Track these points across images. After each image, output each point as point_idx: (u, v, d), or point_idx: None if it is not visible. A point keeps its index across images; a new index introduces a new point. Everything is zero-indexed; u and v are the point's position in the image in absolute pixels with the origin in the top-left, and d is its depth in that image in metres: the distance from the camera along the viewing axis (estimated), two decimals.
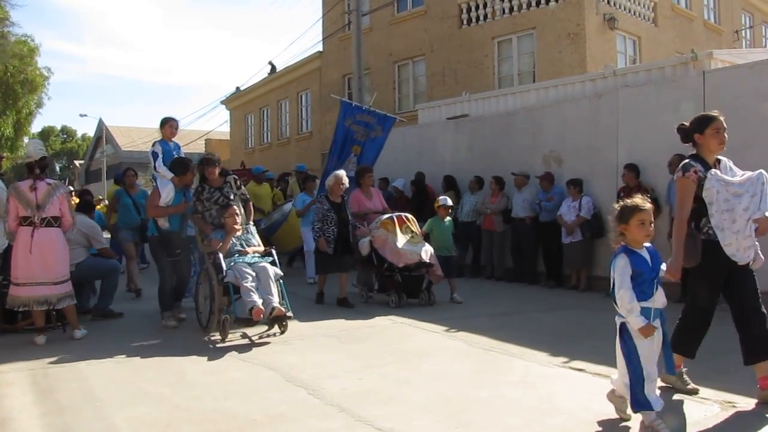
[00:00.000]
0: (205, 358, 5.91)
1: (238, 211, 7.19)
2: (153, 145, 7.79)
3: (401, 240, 8.42)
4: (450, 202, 9.25)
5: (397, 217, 8.69)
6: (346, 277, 8.73)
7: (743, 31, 22.92)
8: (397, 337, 6.79)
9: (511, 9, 16.94)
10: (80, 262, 7.61)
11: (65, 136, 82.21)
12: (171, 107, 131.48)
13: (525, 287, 10.08)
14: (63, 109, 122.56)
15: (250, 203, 7.79)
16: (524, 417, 4.21)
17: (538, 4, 16.35)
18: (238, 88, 30.49)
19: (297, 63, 24.64)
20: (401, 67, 20.12)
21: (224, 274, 6.64)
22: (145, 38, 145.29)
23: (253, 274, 6.68)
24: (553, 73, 14.78)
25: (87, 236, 7.84)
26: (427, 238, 8.91)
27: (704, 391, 4.58)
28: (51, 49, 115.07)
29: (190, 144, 41.10)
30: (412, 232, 8.66)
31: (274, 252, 7.29)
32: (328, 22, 21.78)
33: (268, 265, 6.89)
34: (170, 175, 7.41)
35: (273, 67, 29.52)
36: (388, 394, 4.76)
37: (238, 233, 7.17)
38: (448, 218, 9.20)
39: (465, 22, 18.03)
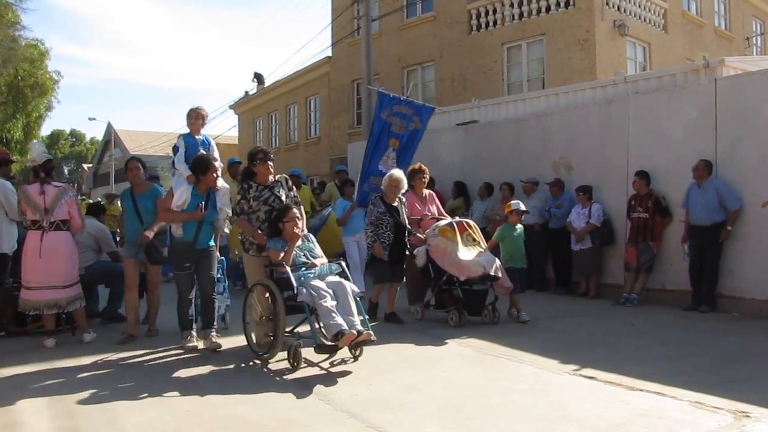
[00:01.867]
0: (214, 361, 5.89)
1: (299, 215, 6.18)
2: (177, 139, 6.82)
3: (463, 250, 7.49)
4: (523, 207, 8.28)
5: (457, 224, 7.74)
6: (396, 290, 7.92)
7: (754, 38, 22.83)
8: (406, 344, 6.74)
9: (521, 15, 16.92)
10: (90, 265, 7.63)
11: (74, 139, 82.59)
12: (179, 111, 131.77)
13: (534, 294, 10.04)
14: (72, 112, 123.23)
15: (302, 207, 6.65)
16: (535, 425, 4.18)
17: (548, 10, 16.32)
18: (246, 92, 30.55)
19: (305, 68, 24.66)
20: (410, 73, 20.10)
21: (296, 291, 5.67)
22: (153, 42, 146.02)
23: (331, 291, 5.71)
24: (563, 80, 14.74)
25: (97, 240, 7.86)
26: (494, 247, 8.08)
27: (717, 401, 4.53)
28: (60, 53, 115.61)
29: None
30: (475, 240, 7.74)
31: (343, 263, 6.26)
32: (337, 27, 21.80)
33: (345, 281, 5.95)
34: (187, 173, 6.43)
35: (260, 79, 29.56)
36: (399, 401, 4.73)
37: (299, 242, 6.15)
38: (520, 225, 8.24)
39: (474, 27, 18.02)
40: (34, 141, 27.89)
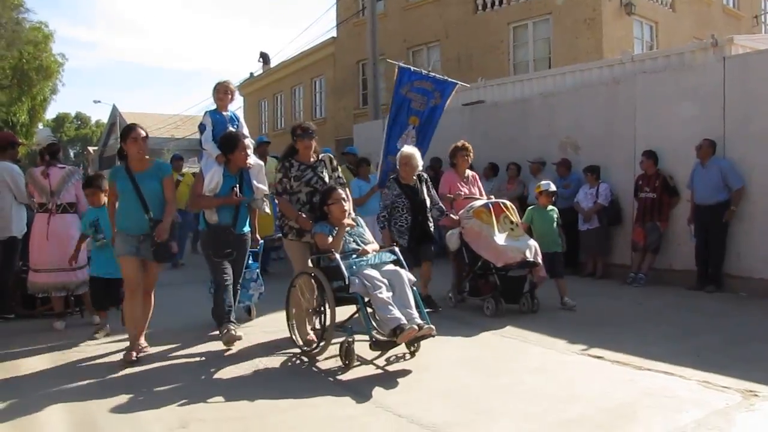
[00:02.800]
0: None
1: (346, 197, 5.66)
2: (203, 116, 6.32)
3: (500, 234, 6.92)
4: (554, 187, 7.81)
5: (493, 205, 7.12)
6: (428, 268, 7.26)
7: (763, 16, 22.61)
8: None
9: None
10: None
11: (79, 122, 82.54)
12: (184, 93, 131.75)
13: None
14: (77, 95, 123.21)
15: (347, 189, 6.02)
16: (543, 405, 4.19)
17: None
18: (251, 74, 30.49)
19: (311, 49, 24.57)
20: (416, 53, 20.01)
21: (347, 281, 5.14)
22: (157, 23, 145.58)
23: (385, 281, 5.17)
24: (570, 59, 14.64)
25: None
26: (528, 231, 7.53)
27: (725, 380, 4.54)
28: (64, 35, 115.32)
29: (194, 134, 41.31)
30: (512, 223, 7.13)
31: (397, 250, 5.69)
32: (342, 8, 21.70)
33: (401, 270, 5.40)
34: (216, 152, 5.95)
35: (266, 58, 29.47)
36: (408, 381, 4.75)
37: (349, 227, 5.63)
38: (551, 206, 7.76)
39: (480, 7, 17.90)
40: (40, 125, 27.95)
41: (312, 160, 5.86)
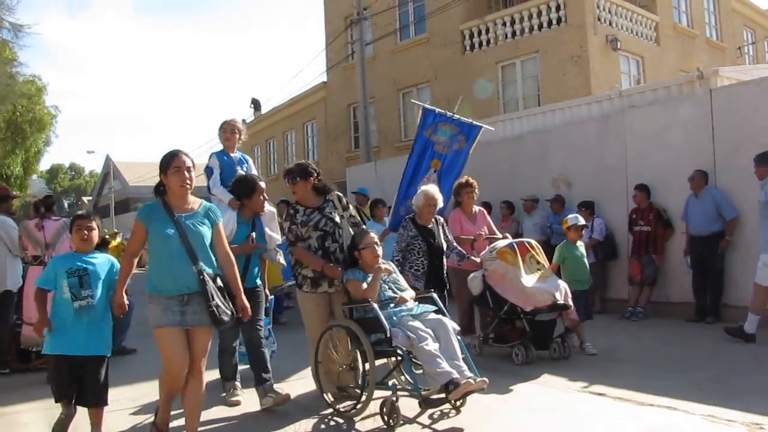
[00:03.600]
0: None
1: (377, 240, 5.31)
2: (209, 158, 5.82)
3: (527, 276, 6.47)
4: (582, 221, 7.45)
5: (518, 245, 6.69)
6: None
7: (746, 47, 22.97)
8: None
9: (514, 33, 17.03)
10: None
11: (73, 173, 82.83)
12: (178, 141, 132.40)
13: None
14: (70, 145, 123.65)
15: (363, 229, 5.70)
16: None
17: (540, 27, 16.45)
18: (244, 120, 30.68)
19: (301, 94, 24.79)
20: (406, 95, 20.19)
21: (388, 334, 4.71)
22: (148, 71, 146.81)
23: (430, 332, 4.77)
24: (558, 96, 14.79)
25: None
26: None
27: (730, 413, 4.49)
28: (55, 86, 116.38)
29: (198, 176, 41.50)
30: (539, 263, 6.70)
31: (435, 296, 5.37)
32: (331, 52, 21.95)
33: (444, 318, 5.04)
34: (228, 197, 5.54)
35: (257, 105, 29.76)
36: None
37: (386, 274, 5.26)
38: (580, 242, 7.44)
39: (468, 48, 18.13)
40: (34, 177, 28.00)
41: (316, 202, 5.45)
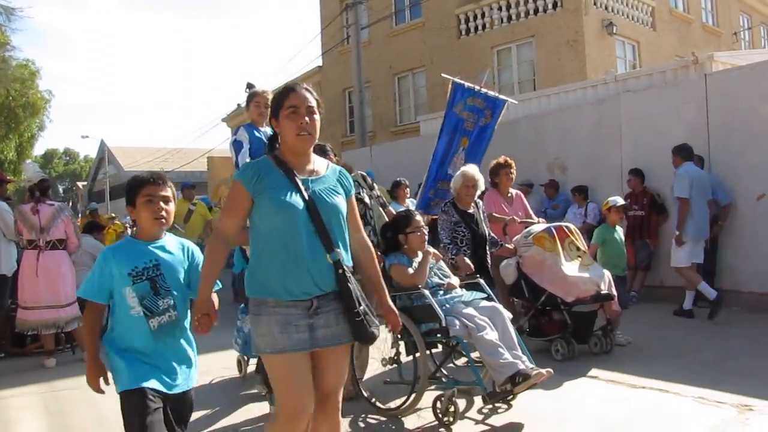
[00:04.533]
0: (218, 377, 5.87)
1: (423, 222, 4.80)
2: (235, 131, 5.14)
3: (567, 263, 5.86)
4: (622, 201, 6.93)
5: (556, 229, 6.04)
6: None
7: (742, 33, 22.94)
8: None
9: (509, 18, 16.98)
10: None
11: (68, 158, 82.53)
12: (171, 126, 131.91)
13: None
14: (65, 130, 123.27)
15: (390, 208, 5.36)
16: (539, 425, 4.19)
17: (536, 12, 16.40)
18: (239, 105, 30.58)
19: (297, 78, 24.70)
20: (401, 79, 20.16)
21: (444, 323, 4.30)
22: (142, 56, 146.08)
23: (487, 320, 4.39)
24: (554, 81, 14.77)
25: (94, 258, 7.81)
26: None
27: (720, 395, 4.54)
28: (50, 72, 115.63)
29: (192, 162, 41.46)
30: (579, 249, 6.05)
31: (482, 281, 5.04)
32: (326, 37, 21.85)
33: (497, 305, 4.66)
34: None
35: (252, 87, 29.65)
36: None
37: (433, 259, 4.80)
38: (619, 226, 6.92)
39: (463, 32, 18.07)
40: (28, 161, 27.87)
41: None
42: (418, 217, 4.73)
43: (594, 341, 6.09)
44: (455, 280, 4.82)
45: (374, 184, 5.10)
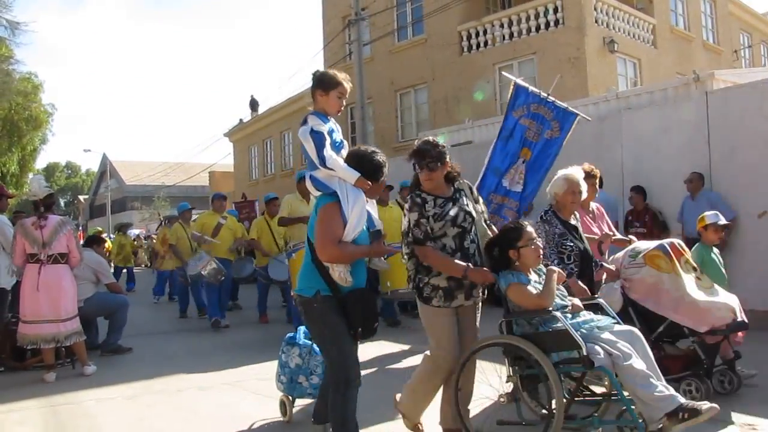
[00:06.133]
0: (217, 392, 5.85)
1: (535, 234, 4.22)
2: (304, 120, 4.08)
3: (690, 285, 4.98)
4: (723, 220, 6.12)
5: (670, 247, 5.11)
6: None
7: (742, 51, 23.05)
8: (387, 359, 6.62)
9: (511, 35, 17.08)
10: (89, 297, 7.60)
11: (69, 171, 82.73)
12: (173, 140, 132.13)
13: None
14: (67, 143, 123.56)
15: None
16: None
17: (537, 29, 16.49)
18: (241, 120, 30.68)
19: (299, 94, 24.76)
20: (403, 96, 20.23)
21: (585, 351, 3.64)
22: (144, 70, 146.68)
23: (630, 347, 3.76)
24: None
25: (95, 271, 7.83)
26: None
27: (723, 414, 4.50)
28: (53, 84, 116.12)
29: (194, 176, 41.53)
30: (695, 269, 5.20)
31: (603, 302, 4.44)
32: (329, 53, 21.95)
33: (636, 330, 4.06)
34: (352, 175, 3.72)
35: (254, 105, 29.86)
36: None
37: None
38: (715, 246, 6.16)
39: (466, 49, 18.16)
40: (35, 174, 27.92)
41: (447, 191, 4.23)
42: (530, 228, 4.17)
43: (719, 378, 5.13)
44: (578, 302, 4.16)
45: (479, 197, 4.46)
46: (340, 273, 3.58)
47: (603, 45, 15.95)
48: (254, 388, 5.91)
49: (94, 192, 63.40)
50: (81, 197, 69.30)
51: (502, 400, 4.11)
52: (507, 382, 4.09)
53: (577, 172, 5.17)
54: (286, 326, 8.87)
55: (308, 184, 3.86)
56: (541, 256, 4.19)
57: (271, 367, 5.94)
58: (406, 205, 4.22)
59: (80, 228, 27.23)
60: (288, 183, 25.12)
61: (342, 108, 4.16)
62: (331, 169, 3.73)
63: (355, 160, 3.83)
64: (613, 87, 13.60)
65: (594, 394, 4.06)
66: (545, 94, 7.58)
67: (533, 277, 4.08)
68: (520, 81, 7.66)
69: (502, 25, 17.26)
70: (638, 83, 16.78)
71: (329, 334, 3.64)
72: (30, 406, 5.60)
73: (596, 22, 15.96)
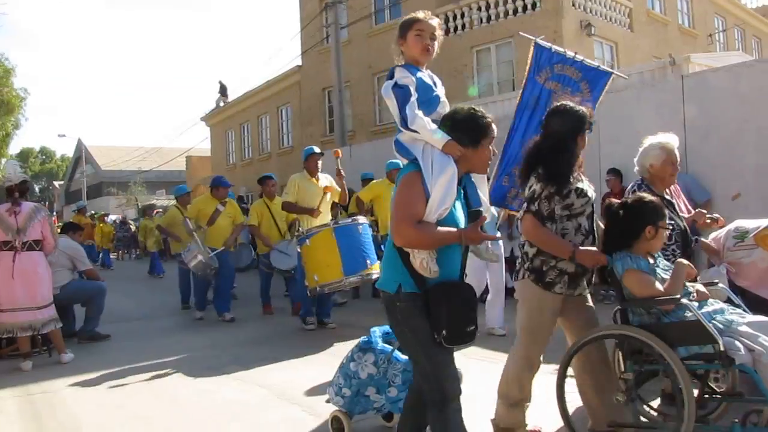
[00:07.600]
0: (197, 378, 5.84)
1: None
2: (391, 73, 3.40)
3: None
4: None
5: None
6: None
7: (717, 35, 23.22)
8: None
9: (489, 18, 17.06)
10: (65, 284, 7.52)
11: (44, 157, 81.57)
12: (150, 125, 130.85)
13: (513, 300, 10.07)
14: (41, 129, 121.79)
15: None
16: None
17: (515, 12, 16.49)
18: (218, 104, 30.44)
19: (276, 77, 24.63)
20: (381, 79, 20.11)
21: (722, 346, 3.14)
22: (120, 54, 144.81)
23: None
24: None
25: (71, 258, 7.75)
26: None
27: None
28: (25, 69, 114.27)
29: (170, 161, 41.17)
30: None
31: (725, 287, 3.93)
32: (306, 36, 21.80)
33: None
34: (440, 137, 3.00)
35: (224, 90, 29.70)
36: None
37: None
38: None
39: (443, 32, 18.10)
40: (9, 160, 27.51)
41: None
42: (663, 207, 3.68)
43: None
44: (702, 287, 3.65)
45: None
46: (422, 261, 2.86)
47: (580, 28, 15.99)
48: (235, 375, 5.90)
49: (69, 178, 62.61)
50: (56, 183, 68.50)
51: (618, 399, 3.57)
52: (620, 378, 3.64)
53: (672, 140, 4.53)
54: (286, 316, 8.91)
55: (394, 150, 3.21)
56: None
57: (252, 351, 5.95)
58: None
59: (55, 213, 26.90)
60: (265, 167, 25.07)
61: (429, 47, 3.47)
62: (415, 131, 3.05)
63: (460, 119, 3.11)
64: None
65: (714, 392, 3.63)
66: (572, 53, 6.63)
67: (652, 262, 3.61)
68: (540, 40, 6.64)
69: (479, 8, 17.23)
70: (615, 66, 16.85)
71: (414, 341, 2.94)
72: (5, 396, 5.54)
73: (573, 5, 15.99)
